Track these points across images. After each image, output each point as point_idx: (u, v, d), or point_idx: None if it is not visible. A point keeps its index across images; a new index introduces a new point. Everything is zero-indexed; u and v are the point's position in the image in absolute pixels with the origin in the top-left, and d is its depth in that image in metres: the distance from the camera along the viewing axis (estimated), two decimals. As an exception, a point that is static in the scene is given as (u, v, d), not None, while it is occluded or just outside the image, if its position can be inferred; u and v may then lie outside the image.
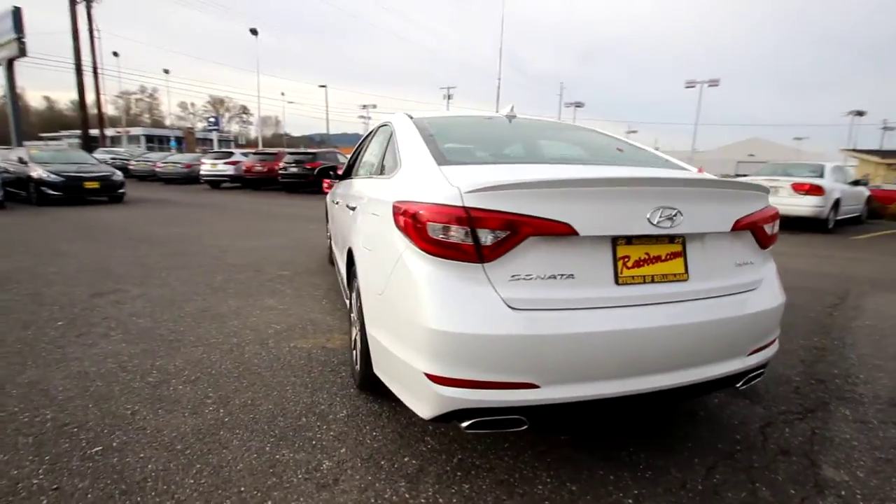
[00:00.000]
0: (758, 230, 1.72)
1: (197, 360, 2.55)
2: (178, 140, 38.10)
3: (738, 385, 1.72)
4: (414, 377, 1.49)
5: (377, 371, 1.86)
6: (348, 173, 3.88)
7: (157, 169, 19.19)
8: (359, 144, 3.71)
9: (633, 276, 1.50)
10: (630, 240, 1.50)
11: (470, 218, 1.40)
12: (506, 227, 1.39)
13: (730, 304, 1.61)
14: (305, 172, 15.59)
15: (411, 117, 2.34)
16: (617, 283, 1.48)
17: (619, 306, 1.46)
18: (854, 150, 24.26)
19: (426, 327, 1.41)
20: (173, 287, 3.93)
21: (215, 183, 17.52)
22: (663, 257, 1.55)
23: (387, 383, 1.78)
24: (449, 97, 55.60)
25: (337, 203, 3.39)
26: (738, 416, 2.12)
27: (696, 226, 1.55)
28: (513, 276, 1.41)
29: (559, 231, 1.41)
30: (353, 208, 2.40)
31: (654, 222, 1.47)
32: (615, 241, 1.49)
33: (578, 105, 35.49)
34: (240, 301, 3.60)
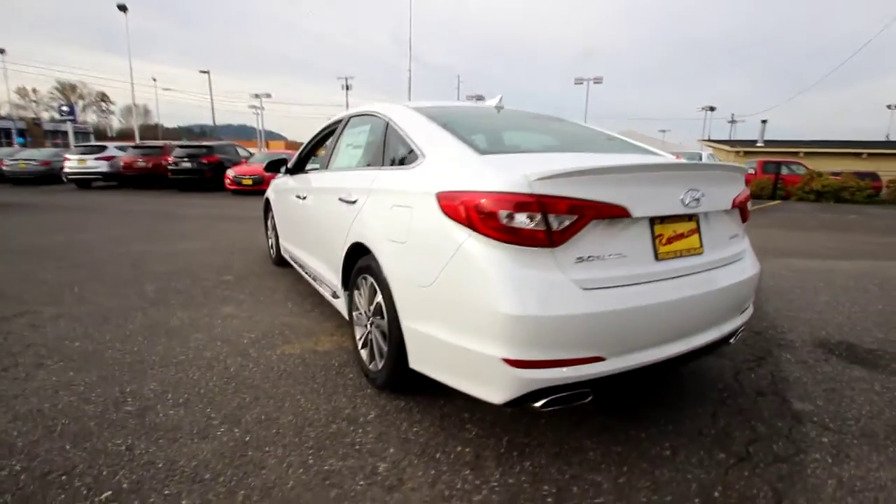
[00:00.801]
0: (743, 207, 2.01)
1: (175, 380, 2.25)
2: (21, 132, 31.92)
3: (731, 340, 2.00)
4: (485, 363, 1.50)
5: (418, 365, 1.82)
6: (301, 167, 3.66)
7: (3, 168, 15.95)
8: (321, 136, 3.51)
9: (667, 252, 1.67)
10: (664, 219, 1.67)
11: (540, 203, 1.44)
12: (573, 211, 1.46)
13: (733, 271, 1.87)
14: (201, 168, 14.14)
15: (411, 107, 2.30)
16: (656, 258, 1.64)
17: (661, 280, 1.62)
18: (709, 141, 28.54)
19: (504, 313, 1.43)
20: (97, 303, 3.37)
21: (84, 182, 15.11)
22: (685, 234, 1.74)
23: (434, 376, 1.76)
24: (348, 87, 54.06)
25: (302, 198, 3.17)
26: (713, 370, 2.46)
27: (712, 205, 1.77)
28: (578, 258, 1.49)
29: (616, 214, 1.52)
30: (352, 202, 2.28)
31: (686, 203, 1.65)
32: (653, 221, 1.64)
33: (479, 98, 36.66)
34: (191, 312, 3.21)
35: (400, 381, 2.00)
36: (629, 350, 1.55)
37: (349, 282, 2.43)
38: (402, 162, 2.10)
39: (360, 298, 2.28)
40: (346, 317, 2.55)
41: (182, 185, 14.30)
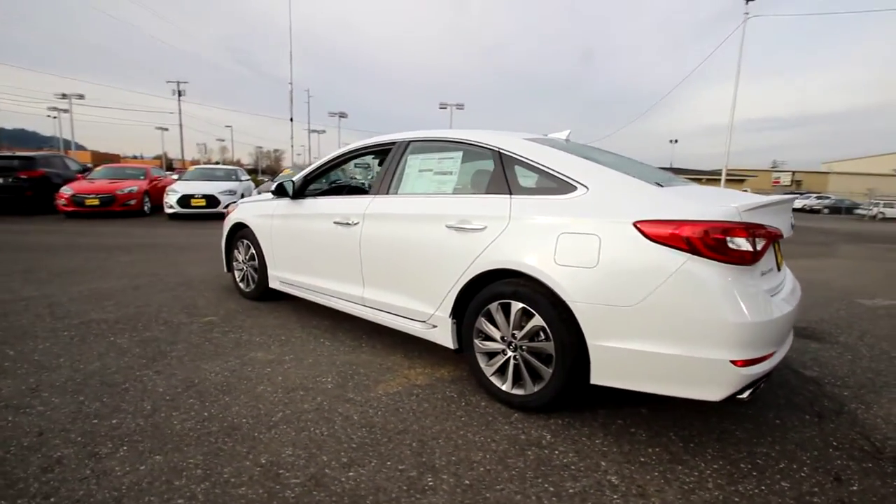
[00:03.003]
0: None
1: (306, 441, 1.93)
2: None
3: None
4: (709, 367, 1.74)
5: (602, 380, 1.96)
6: (303, 192, 3.44)
7: None
8: (335, 162, 3.36)
9: (778, 267, 2.15)
10: (778, 240, 2.15)
11: (749, 229, 1.76)
12: (764, 235, 1.82)
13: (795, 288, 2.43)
14: (18, 185, 11.11)
15: (528, 139, 2.43)
16: (778, 270, 2.11)
17: (781, 290, 2.08)
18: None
19: (734, 322, 1.70)
20: (84, 364, 2.56)
21: None
22: (777, 253, 2.25)
23: (627, 386, 1.92)
24: (180, 93, 48.05)
25: (347, 224, 2.94)
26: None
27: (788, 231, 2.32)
28: (762, 272, 1.85)
29: (777, 235, 1.93)
30: (479, 229, 2.28)
31: (789, 228, 2.16)
32: (776, 241, 2.11)
33: (342, 115, 36.18)
34: (217, 363, 2.69)
35: (565, 399, 2.10)
36: (779, 345, 1.96)
37: (464, 310, 2.41)
38: (545, 191, 2.22)
39: (489, 326, 2.29)
40: (452, 345, 2.50)
41: (-10, 208, 10.97)
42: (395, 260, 2.71)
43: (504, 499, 1.62)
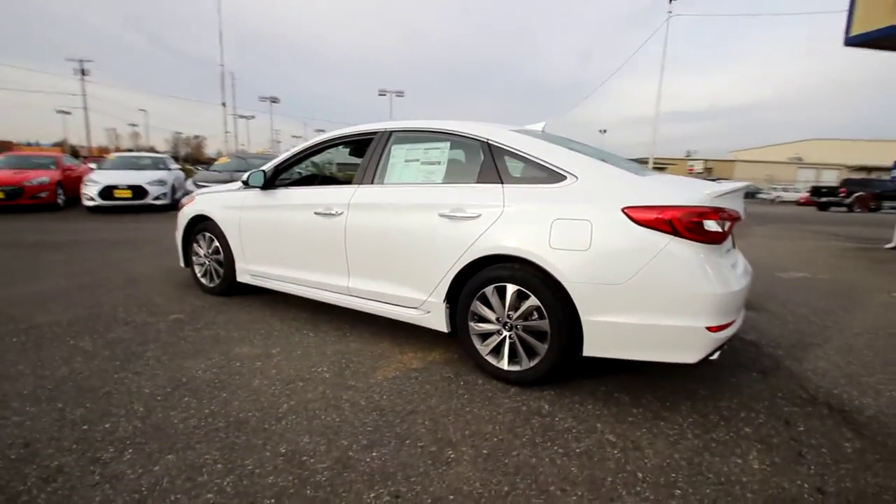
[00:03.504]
0: None
1: (321, 429, 1.96)
2: None
3: None
4: (687, 334, 1.99)
5: (593, 352, 2.16)
6: (273, 182, 3.40)
7: None
8: (308, 152, 3.34)
9: (733, 245, 2.47)
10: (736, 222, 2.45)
11: (719, 213, 2.02)
12: (730, 218, 2.09)
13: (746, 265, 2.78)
14: None
15: (514, 130, 2.56)
16: (733, 248, 2.42)
17: (737, 266, 2.39)
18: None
19: (710, 293, 1.96)
20: (48, 370, 2.36)
21: None
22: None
23: (615, 356, 2.14)
24: (83, 72, 43.29)
25: (330, 214, 2.92)
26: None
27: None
28: (727, 249, 2.13)
29: (737, 218, 2.21)
30: (473, 216, 2.39)
31: (743, 211, 2.47)
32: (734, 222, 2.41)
33: (274, 100, 34.31)
34: (198, 361, 2.59)
35: (558, 371, 2.28)
36: (738, 313, 2.27)
37: (457, 295, 2.52)
38: (536, 181, 2.37)
39: (484, 308, 2.41)
40: (445, 329, 2.60)
41: None
42: (384, 249, 2.75)
43: (522, 462, 1.77)
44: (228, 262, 3.68)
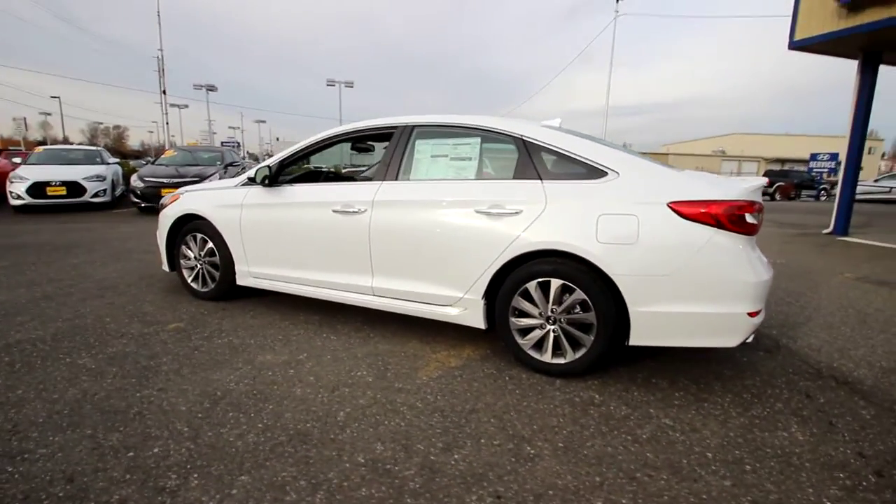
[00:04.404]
0: None
1: (393, 432, 1.90)
2: None
3: None
4: (730, 320, 2.13)
5: (640, 340, 2.26)
6: (276, 179, 3.26)
7: None
8: (313, 148, 3.23)
9: (749, 233, 2.66)
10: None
11: (755, 206, 2.17)
12: (760, 210, 2.24)
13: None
14: None
15: (550, 126, 2.60)
16: (750, 237, 2.61)
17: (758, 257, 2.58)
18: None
19: (752, 281, 2.10)
20: (55, 392, 2.09)
21: None
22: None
23: (660, 343, 2.25)
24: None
25: (353, 212, 2.82)
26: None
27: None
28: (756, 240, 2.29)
29: (762, 209, 2.38)
30: (514, 212, 2.40)
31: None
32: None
33: (211, 88, 31.95)
34: (224, 373, 2.43)
35: (602, 362, 2.36)
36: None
37: (495, 291, 2.52)
38: (576, 176, 2.41)
39: (526, 303, 2.44)
40: (483, 326, 2.60)
41: None
42: (414, 247, 2.70)
43: (599, 451, 1.83)
44: (226, 265, 3.45)
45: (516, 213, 2.43)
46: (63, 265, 4.73)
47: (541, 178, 2.47)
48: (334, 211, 2.91)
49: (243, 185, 3.38)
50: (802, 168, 27.10)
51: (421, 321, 3.11)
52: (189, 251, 3.64)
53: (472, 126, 2.72)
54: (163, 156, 11.09)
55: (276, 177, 3.26)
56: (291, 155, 3.25)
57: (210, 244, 3.50)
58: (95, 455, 1.73)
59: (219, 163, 10.50)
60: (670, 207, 2.18)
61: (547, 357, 2.45)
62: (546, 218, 2.37)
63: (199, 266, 3.61)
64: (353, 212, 2.84)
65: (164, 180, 9.12)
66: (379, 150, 3.75)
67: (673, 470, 1.73)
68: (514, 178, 2.54)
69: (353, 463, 1.72)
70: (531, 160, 2.52)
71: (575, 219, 2.32)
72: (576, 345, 2.39)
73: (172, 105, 45.67)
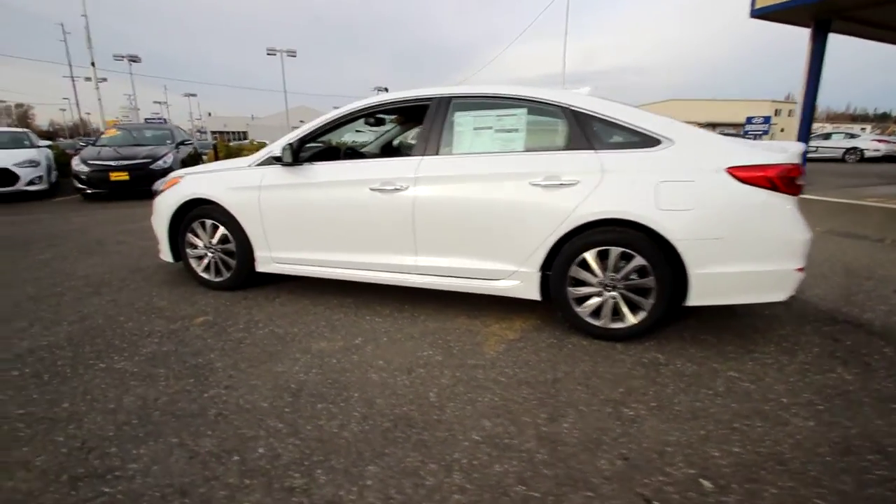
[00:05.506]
0: None
1: (489, 408, 1.91)
2: None
3: None
4: (780, 276, 2.30)
5: (699, 300, 2.38)
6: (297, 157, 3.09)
7: None
8: (334, 123, 3.07)
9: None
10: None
11: (801, 169, 2.31)
12: (803, 173, 2.39)
13: None
14: None
15: (598, 97, 2.59)
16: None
17: None
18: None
19: (801, 239, 2.26)
20: (107, 402, 1.90)
21: None
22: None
23: (716, 302, 2.39)
24: None
25: (395, 189, 2.71)
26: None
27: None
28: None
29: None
30: (572, 183, 2.41)
31: None
32: None
33: (134, 59, 28.69)
34: (286, 364, 2.32)
35: (659, 324, 2.48)
36: None
37: (553, 263, 2.55)
38: (630, 146, 2.44)
39: (584, 272, 2.49)
40: (538, 297, 2.63)
41: None
42: (463, 222, 2.65)
43: (689, 407, 1.94)
44: (244, 251, 3.23)
45: (573, 184, 2.44)
46: (32, 262, 4.23)
47: (594, 149, 2.49)
48: (372, 189, 2.79)
49: (259, 164, 3.14)
50: (733, 131, 28.97)
51: (460, 296, 3.10)
52: (197, 239, 3.36)
53: (516, 97, 2.67)
54: (102, 136, 10.01)
55: (297, 155, 3.06)
56: (313, 131, 3.05)
57: (222, 230, 3.26)
58: (197, 464, 1.61)
59: (169, 141, 9.65)
60: (729, 172, 2.27)
61: (604, 322, 2.53)
62: (604, 188, 2.41)
63: (210, 255, 3.36)
64: (394, 189, 2.74)
65: (112, 163, 8.27)
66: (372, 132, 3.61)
67: (762, 417, 1.88)
68: (566, 148, 2.54)
69: (471, 441, 1.73)
70: (582, 130, 2.53)
71: (635, 188, 2.37)
72: (635, 309, 2.49)
73: (87, 79, 41.09)
